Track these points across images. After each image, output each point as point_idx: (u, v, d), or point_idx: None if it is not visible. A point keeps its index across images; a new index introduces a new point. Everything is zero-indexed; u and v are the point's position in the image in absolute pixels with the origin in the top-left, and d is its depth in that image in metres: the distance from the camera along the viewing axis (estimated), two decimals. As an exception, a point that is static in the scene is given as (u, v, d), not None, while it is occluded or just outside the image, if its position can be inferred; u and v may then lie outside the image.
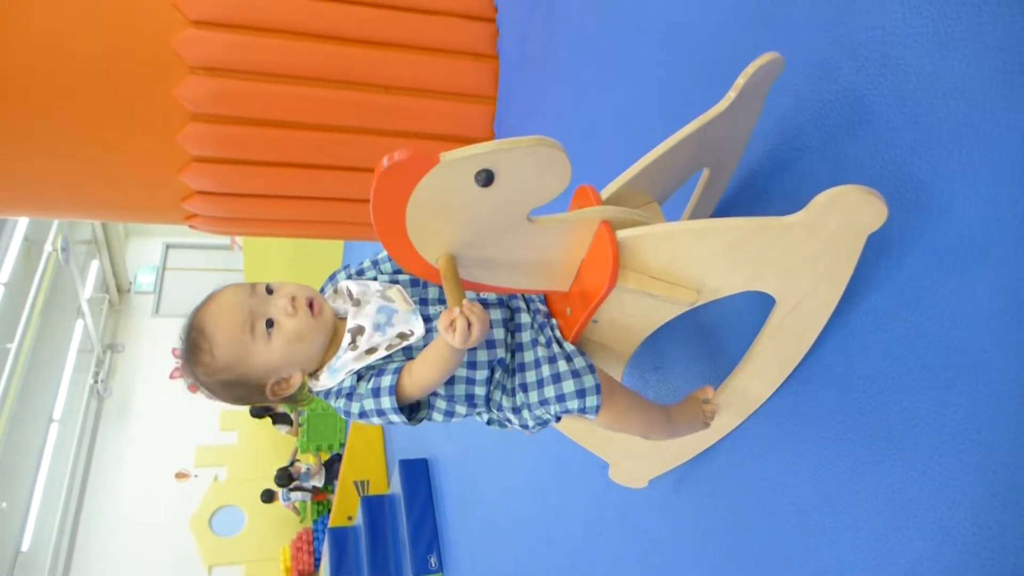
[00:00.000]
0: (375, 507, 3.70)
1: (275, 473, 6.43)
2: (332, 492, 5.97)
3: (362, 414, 0.94)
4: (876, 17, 0.94)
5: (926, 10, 0.87)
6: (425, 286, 1.03)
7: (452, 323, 0.78)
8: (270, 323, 0.96)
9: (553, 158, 0.74)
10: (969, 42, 0.81)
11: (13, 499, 5.91)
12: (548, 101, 2.04)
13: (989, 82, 0.79)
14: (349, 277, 1.05)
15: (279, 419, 7.05)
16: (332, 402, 0.98)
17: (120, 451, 7.56)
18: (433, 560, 3.04)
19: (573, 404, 0.94)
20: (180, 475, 7.50)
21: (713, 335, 1.24)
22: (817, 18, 1.05)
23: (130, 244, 9.06)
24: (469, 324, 0.78)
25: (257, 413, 7.05)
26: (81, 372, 7.52)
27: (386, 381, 0.92)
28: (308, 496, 6.37)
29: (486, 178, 0.73)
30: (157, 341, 8.06)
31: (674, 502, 1.33)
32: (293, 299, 0.96)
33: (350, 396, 0.95)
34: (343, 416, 0.98)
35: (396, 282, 1.03)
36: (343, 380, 0.96)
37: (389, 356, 0.96)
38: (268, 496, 6.64)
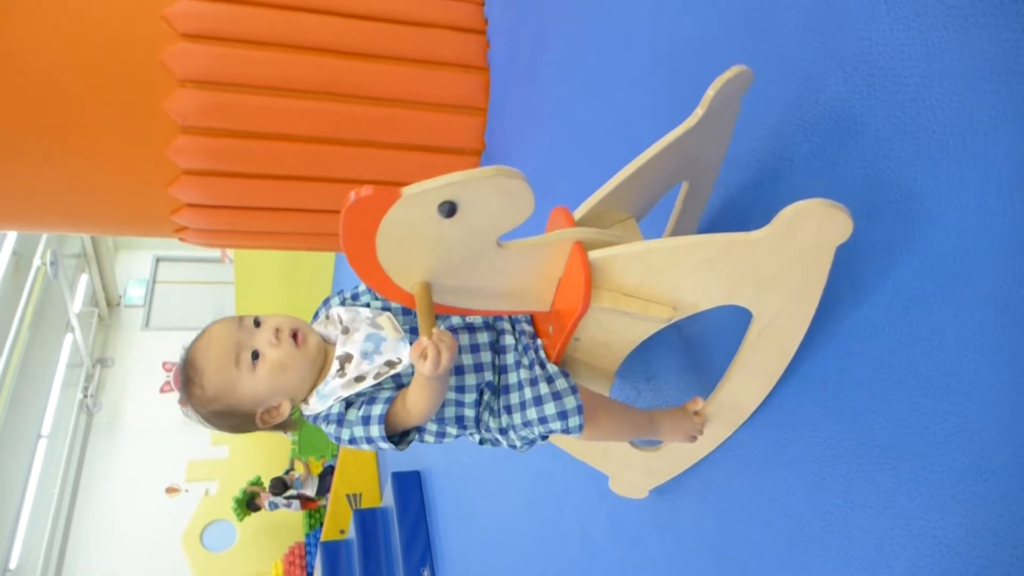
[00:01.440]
0: (368, 520, 3.67)
1: (269, 481, 6.37)
2: (324, 502, 5.92)
3: (352, 440, 0.95)
4: (864, 28, 0.95)
5: (913, 21, 0.88)
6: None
7: (424, 352, 0.79)
8: (255, 354, 0.98)
9: (514, 187, 0.75)
10: (956, 53, 0.82)
11: (0, 516, 5.83)
12: (539, 112, 2.05)
13: (976, 92, 0.80)
14: (343, 302, 1.06)
15: None
16: (323, 427, 1.00)
17: (110, 466, 7.47)
18: (426, 574, 3.01)
19: (556, 425, 0.96)
20: (171, 490, 7.42)
21: (703, 347, 1.25)
22: (805, 29, 1.05)
23: (120, 257, 8.99)
24: (439, 352, 0.79)
25: None
26: (70, 387, 7.43)
27: (376, 410, 0.92)
28: (297, 505, 6.31)
29: (449, 209, 0.75)
30: (147, 355, 7.96)
31: (668, 513, 1.32)
32: (277, 331, 0.98)
33: (339, 423, 0.96)
34: (333, 441, 1.00)
35: (388, 309, 1.04)
36: (332, 406, 0.97)
37: (379, 384, 0.96)
38: (254, 507, 6.57)
